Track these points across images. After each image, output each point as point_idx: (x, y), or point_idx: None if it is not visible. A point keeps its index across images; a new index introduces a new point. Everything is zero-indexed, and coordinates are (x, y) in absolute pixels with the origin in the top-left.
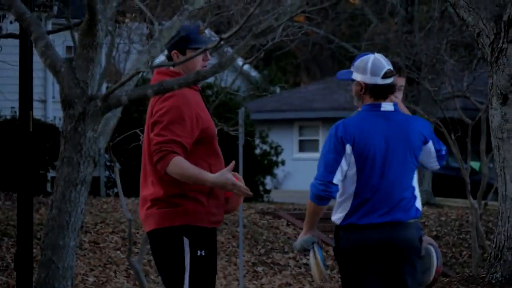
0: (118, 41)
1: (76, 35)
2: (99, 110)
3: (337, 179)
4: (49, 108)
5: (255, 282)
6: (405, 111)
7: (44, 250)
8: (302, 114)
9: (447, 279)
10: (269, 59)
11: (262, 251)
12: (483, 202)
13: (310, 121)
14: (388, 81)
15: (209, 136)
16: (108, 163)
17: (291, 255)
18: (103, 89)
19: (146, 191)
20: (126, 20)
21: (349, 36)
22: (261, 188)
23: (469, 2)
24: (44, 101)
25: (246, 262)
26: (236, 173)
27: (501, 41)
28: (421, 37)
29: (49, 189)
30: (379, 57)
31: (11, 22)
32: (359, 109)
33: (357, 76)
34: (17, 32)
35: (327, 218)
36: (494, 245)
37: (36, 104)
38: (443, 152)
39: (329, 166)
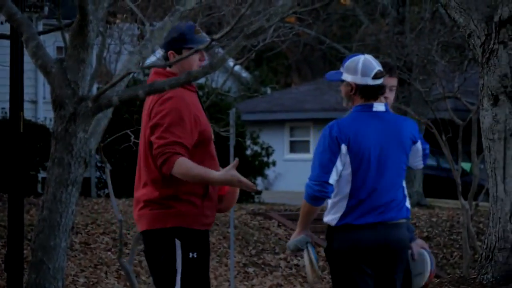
0: (109, 41)
1: (67, 35)
2: (90, 110)
3: (332, 179)
4: (40, 109)
5: (246, 283)
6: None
7: (34, 251)
8: (293, 115)
9: (438, 280)
10: (260, 60)
11: (253, 252)
12: (474, 203)
13: (301, 122)
14: (379, 81)
15: (206, 139)
16: (99, 164)
17: (282, 256)
18: (94, 90)
19: (139, 192)
20: (117, 21)
21: (340, 37)
22: None
23: (460, 3)
24: (35, 102)
25: (237, 263)
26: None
27: (492, 42)
28: (412, 38)
29: (40, 190)
30: (369, 58)
31: (1, 23)
32: (351, 109)
33: (347, 77)
34: (8, 33)
35: (318, 219)
36: (485, 246)
37: (26, 105)
38: (427, 151)
39: (324, 166)
